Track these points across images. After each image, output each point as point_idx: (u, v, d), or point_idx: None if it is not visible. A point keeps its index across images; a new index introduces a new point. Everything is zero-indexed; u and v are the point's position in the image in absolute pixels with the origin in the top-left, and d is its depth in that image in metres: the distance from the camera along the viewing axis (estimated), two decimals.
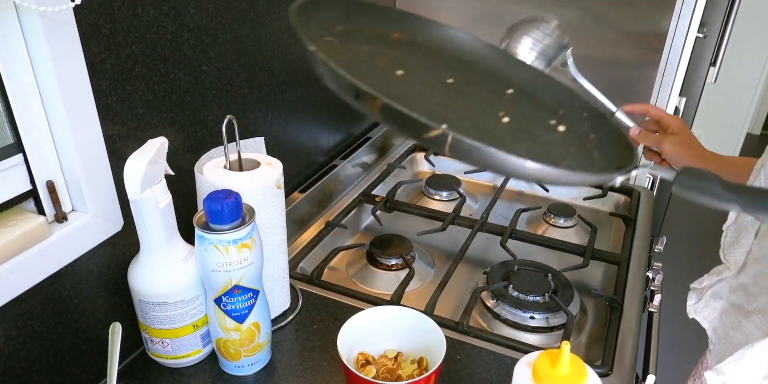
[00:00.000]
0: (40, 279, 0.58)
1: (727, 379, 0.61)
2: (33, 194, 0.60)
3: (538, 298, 0.86)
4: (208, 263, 0.64)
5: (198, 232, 0.63)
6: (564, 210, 1.10)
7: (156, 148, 0.63)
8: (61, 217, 0.62)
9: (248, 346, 0.70)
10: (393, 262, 0.96)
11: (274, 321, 0.80)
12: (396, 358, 0.72)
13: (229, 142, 0.71)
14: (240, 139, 0.79)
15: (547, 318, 0.84)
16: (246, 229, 0.63)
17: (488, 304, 0.86)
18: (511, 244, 0.98)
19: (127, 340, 0.72)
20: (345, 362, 0.63)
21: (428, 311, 0.81)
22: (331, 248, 0.96)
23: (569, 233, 1.08)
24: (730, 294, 0.70)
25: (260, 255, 0.66)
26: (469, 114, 0.59)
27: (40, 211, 0.61)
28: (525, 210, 1.09)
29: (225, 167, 0.72)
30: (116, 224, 0.67)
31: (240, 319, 0.67)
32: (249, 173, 0.71)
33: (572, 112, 0.64)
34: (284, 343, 0.77)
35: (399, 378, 0.70)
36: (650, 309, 1.04)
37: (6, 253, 0.55)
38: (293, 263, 0.92)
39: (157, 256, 0.66)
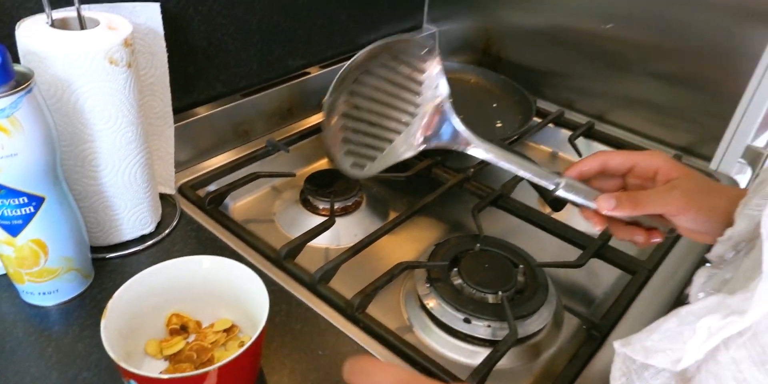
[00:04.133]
0: None
1: (633, 353, 0.36)
2: None
3: (487, 295, 0.59)
4: None
5: None
6: None
7: None
8: None
9: (31, 268, 0.51)
10: (324, 206, 0.72)
11: (123, 245, 0.61)
12: (228, 331, 0.51)
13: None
14: (127, 0, 0.59)
15: (489, 326, 0.57)
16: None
17: (418, 290, 0.61)
18: (489, 215, 0.71)
19: None
20: (105, 343, 0.42)
21: (317, 279, 0.58)
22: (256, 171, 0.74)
23: None
24: None
25: (37, 147, 0.45)
26: None
27: None
28: None
29: (48, 23, 0.51)
30: None
31: (11, 230, 0.48)
32: (65, 34, 0.50)
33: None
34: (125, 276, 0.58)
35: (209, 361, 0.48)
36: None
37: None
38: (202, 180, 0.72)
39: None
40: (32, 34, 0.50)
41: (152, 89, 0.64)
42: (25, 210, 0.48)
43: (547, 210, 0.75)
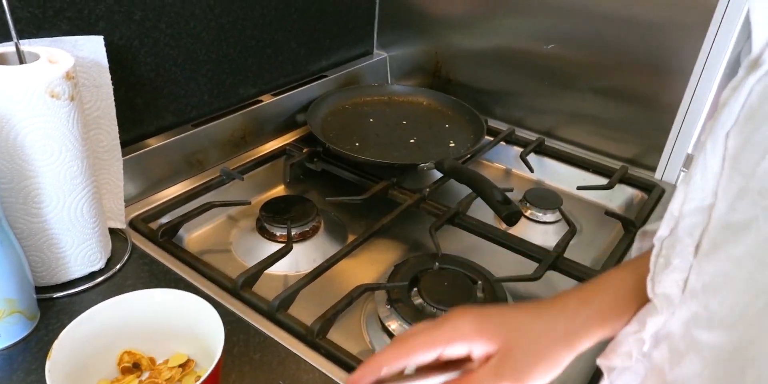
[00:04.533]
0: None
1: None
2: None
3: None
4: None
5: None
6: (545, 198, 0.81)
7: None
8: None
9: None
10: (281, 232, 0.72)
11: (71, 284, 0.59)
12: (184, 366, 0.50)
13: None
14: (69, 34, 0.58)
15: None
16: None
17: (379, 312, 0.61)
18: (447, 233, 0.71)
19: None
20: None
21: (275, 307, 0.57)
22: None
23: (548, 232, 0.79)
24: (654, 348, 0.37)
25: None
26: None
27: None
28: None
29: None
30: None
31: None
32: (2, 69, 0.49)
33: None
34: (74, 315, 0.56)
35: None
36: None
37: None
38: (155, 212, 0.70)
39: None
40: None
41: (98, 122, 0.63)
42: None
43: (503, 226, 0.76)
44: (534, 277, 0.63)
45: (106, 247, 0.62)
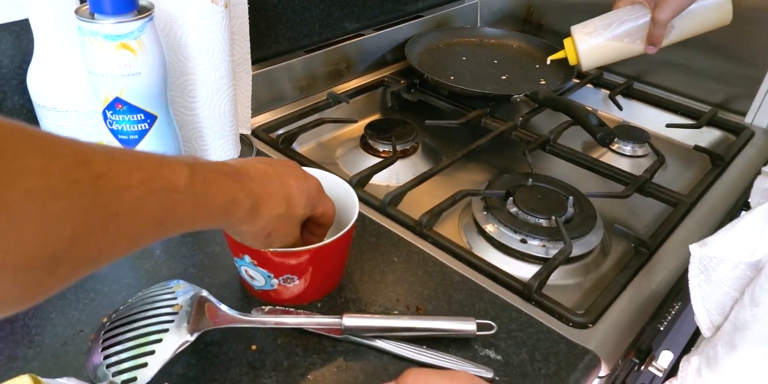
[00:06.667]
0: None
1: (710, 252, 0.42)
2: None
3: (541, 220, 0.65)
4: (87, 61, 0.51)
5: (76, 18, 0.50)
6: (633, 134, 0.84)
7: None
8: None
9: None
10: (384, 148, 0.78)
11: None
12: None
13: None
14: None
15: (544, 246, 0.63)
16: (127, 26, 0.49)
17: (476, 217, 0.67)
18: (537, 160, 0.76)
19: None
20: None
21: (386, 202, 0.64)
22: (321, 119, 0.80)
23: (635, 165, 0.82)
24: None
25: (155, 68, 0.52)
26: None
27: None
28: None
29: None
30: (16, 8, 0.56)
31: (128, 144, 0.55)
32: None
33: None
34: None
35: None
36: None
37: None
38: (272, 125, 0.78)
39: (48, 52, 0.55)
40: None
41: (234, 38, 0.70)
42: (141, 126, 0.55)
43: (593, 155, 0.80)
44: (624, 195, 0.68)
45: (237, 146, 0.70)
